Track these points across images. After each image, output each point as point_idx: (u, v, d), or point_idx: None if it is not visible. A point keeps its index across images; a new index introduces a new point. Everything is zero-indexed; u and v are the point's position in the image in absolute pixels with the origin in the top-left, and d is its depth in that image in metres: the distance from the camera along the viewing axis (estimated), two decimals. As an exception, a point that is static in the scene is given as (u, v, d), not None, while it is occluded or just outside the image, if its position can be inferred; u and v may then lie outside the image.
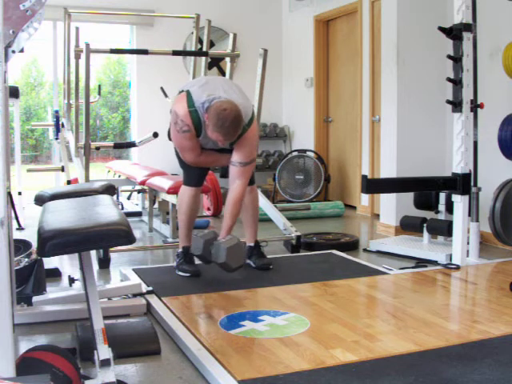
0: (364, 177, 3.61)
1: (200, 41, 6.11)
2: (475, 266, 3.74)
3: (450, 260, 3.81)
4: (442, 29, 3.67)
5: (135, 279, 3.35)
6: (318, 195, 6.56)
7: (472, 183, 3.81)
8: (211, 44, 6.88)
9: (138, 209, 6.09)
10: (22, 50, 1.71)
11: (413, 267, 3.82)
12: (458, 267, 3.64)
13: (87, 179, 4.24)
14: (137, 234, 5.09)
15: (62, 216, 2.11)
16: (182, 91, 3.40)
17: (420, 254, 4.10)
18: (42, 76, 9.89)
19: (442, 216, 4.35)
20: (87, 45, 4.05)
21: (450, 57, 3.67)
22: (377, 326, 2.65)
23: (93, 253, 3.69)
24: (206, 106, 3.24)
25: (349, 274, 3.54)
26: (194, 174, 3.57)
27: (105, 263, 3.86)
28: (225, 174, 3.76)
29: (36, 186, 6.87)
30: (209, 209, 6.06)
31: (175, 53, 4.78)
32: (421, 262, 3.94)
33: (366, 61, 6.02)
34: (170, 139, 3.63)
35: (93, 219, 2.01)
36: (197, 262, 3.58)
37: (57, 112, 5.71)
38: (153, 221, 5.25)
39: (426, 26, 4.77)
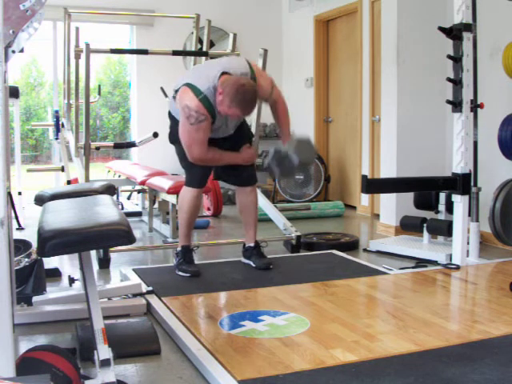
0: (364, 177, 3.60)
1: (200, 41, 6.11)
2: (475, 265, 3.74)
3: (450, 260, 3.81)
4: (441, 29, 3.67)
5: (135, 279, 3.35)
6: (318, 195, 6.56)
7: (472, 183, 3.81)
8: (211, 44, 6.87)
9: (138, 209, 6.09)
10: (22, 50, 1.71)
11: (413, 267, 3.82)
12: (458, 267, 3.64)
13: (87, 179, 4.24)
14: (137, 234, 5.09)
15: (62, 216, 2.11)
16: (179, 88, 3.37)
17: (420, 254, 4.09)
18: (42, 76, 9.89)
19: (442, 216, 4.35)
20: (87, 45, 4.05)
21: (449, 57, 3.67)
22: (377, 326, 2.65)
23: (93, 253, 3.69)
24: (214, 87, 3.25)
25: (349, 274, 3.54)
26: (198, 174, 3.55)
27: (105, 263, 3.86)
28: (218, 176, 3.76)
29: (36, 185, 6.87)
30: (209, 209, 6.06)
31: (175, 53, 4.79)
32: (421, 262, 3.94)
33: (366, 61, 6.02)
34: (171, 142, 3.62)
35: (93, 219, 2.01)
36: (197, 262, 3.59)
37: (57, 112, 5.71)
38: (153, 221, 5.25)
39: (426, 26, 4.77)
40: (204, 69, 3.49)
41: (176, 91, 3.41)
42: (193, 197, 3.55)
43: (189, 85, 3.31)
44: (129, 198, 6.78)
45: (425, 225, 4.32)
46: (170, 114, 3.59)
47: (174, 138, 3.56)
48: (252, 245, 3.74)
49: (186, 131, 3.32)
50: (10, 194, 2.42)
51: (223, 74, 3.29)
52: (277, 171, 3.43)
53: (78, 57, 4.34)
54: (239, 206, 3.73)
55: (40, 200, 2.62)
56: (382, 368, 2.17)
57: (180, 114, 3.33)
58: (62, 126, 5.61)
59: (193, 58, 5.68)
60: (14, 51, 1.66)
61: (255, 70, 3.46)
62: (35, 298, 2.93)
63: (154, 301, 3.01)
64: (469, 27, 3.59)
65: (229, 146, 3.52)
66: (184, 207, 3.58)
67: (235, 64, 3.41)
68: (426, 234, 4.33)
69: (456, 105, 3.64)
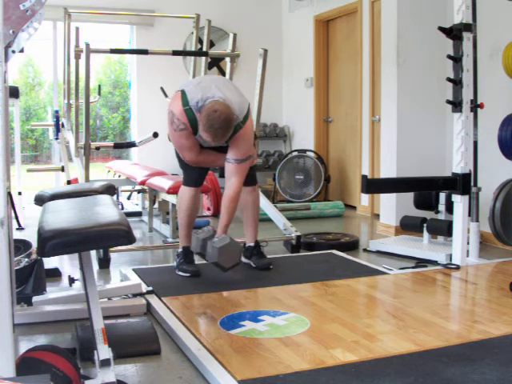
0: (364, 177, 3.60)
1: (200, 41, 6.11)
2: (475, 265, 3.74)
3: (450, 260, 3.81)
4: (441, 29, 3.67)
5: (135, 279, 3.35)
6: (318, 195, 6.56)
7: (472, 183, 3.81)
8: (211, 44, 6.88)
9: (138, 209, 6.09)
10: (22, 50, 1.71)
11: (413, 267, 3.82)
12: (458, 267, 3.64)
13: (87, 179, 4.23)
14: (137, 234, 5.09)
15: (62, 216, 2.11)
16: (178, 91, 3.41)
17: (420, 254, 4.09)
18: (40, 76, 9.89)
19: (442, 216, 4.35)
20: (87, 45, 4.05)
21: (449, 57, 3.67)
22: (377, 326, 2.65)
23: (93, 253, 3.69)
24: (200, 106, 3.25)
25: (349, 274, 3.54)
26: (194, 174, 3.57)
27: (105, 263, 3.86)
28: (223, 173, 3.76)
29: (36, 185, 6.87)
30: (209, 209, 6.06)
31: (175, 53, 4.78)
32: (421, 262, 3.94)
33: (366, 61, 6.02)
34: (170, 140, 3.64)
35: (93, 219, 2.01)
36: (197, 261, 3.59)
37: (57, 112, 5.71)
38: (153, 221, 5.25)
39: (426, 26, 4.77)
40: (209, 83, 3.39)
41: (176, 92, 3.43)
42: (190, 196, 3.56)
43: (183, 92, 3.34)
44: (129, 198, 6.78)
45: (425, 225, 4.32)
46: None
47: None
48: (252, 245, 3.74)
49: (173, 135, 3.43)
50: (10, 194, 2.41)
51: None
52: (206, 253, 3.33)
53: (77, 57, 4.33)
54: (240, 205, 3.73)
55: (40, 200, 2.62)
56: (382, 368, 2.17)
57: (167, 117, 3.38)
58: (62, 125, 5.61)
59: (193, 57, 5.68)
60: (14, 51, 1.66)
61: (248, 122, 3.38)
62: (35, 298, 2.92)
63: (153, 301, 3.01)
64: (469, 27, 3.59)
65: (225, 149, 3.52)
66: (182, 207, 3.58)
67: (238, 99, 3.35)
68: (425, 233, 4.33)
69: (456, 105, 3.64)
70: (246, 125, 3.37)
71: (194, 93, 3.32)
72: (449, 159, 4.19)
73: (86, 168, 4.25)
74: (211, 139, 3.22)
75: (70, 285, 3.20)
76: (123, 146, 6.34)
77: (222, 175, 3.82)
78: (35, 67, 9.81)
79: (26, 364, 1.93)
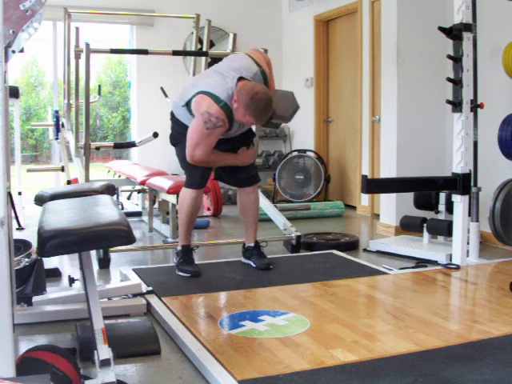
0: (364, 177, 3.60)
1: (200, 41, 6.11)
2: (475, 265, 3.74)
3: (450, 260, 3.81)
4: (441, 29, 3.67)
5: (135, 279, 3.35)
6: (318, 195, 6.56)
7: (472, 183, 3.81)
8: (211, 44, 6.87)
9: (138, 209, 6.09)
10: (22, 50, 1.71)
11: (413, 267, 3.82)
12: (458, 267, 3.64)
13: (87, 179, 4.24)
14: (137, 234, 5.09)
15: (62, 216, 2.11)
16: (191, 97, 3.34)
17: (420, 254, 4.10)
18: (43, 76, 9.90)
19: (442, 216, 4.35)
20: (87, 45, 4.05)
21: (449, 57, 3.67)
22: (377, 325, 2.65)
23: (93, 253, 3.69)
24: (231, 94, 3.27)
25: (349, 274, 3.54)
26: (198, 175, 3.55)
27: (105, 263, 3.86)
28: (218, 176, 3.77)
29: (36, 185, 6.88)
30: (209, 209, 6.06)
31: (175, 53, 4.79)
32: (421, 262, 3.94)
33: (365, 61, 6.02)
34: (172, 144, 3.63)
35: (93, 219, 2.01)
36: (197, 262, 3.58)
37: (57, 112, 5.71)
38: (153, 221, 5.25)
39: (426, 26, 4.77)
40: (217, 76, 3.40)
41: (189, 101, 3.36)
42: (193, 198, 3.55)
43: (206, 93, 3.29)
44: (129, 198, 6.78)
45: (425, 225, 4.32)
46: (173, 116, 3.57)
47: (175, 140, 3.58)
48: (252, 245, 3.74)
49: (198, 133, 3.31)
50: (10, 194, 2.41)
51: (239, 79, 3.31)
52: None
53: (78, 57, 4.33)
54: (240, 205, 3.74)
55: (40, 200, 2.62)
56: (382, 368, 2.17)
57: (197, 117, 3.31)
58: (62, 125, 5.61)
59: (193, 57, 5.67)
60: (14, 51, 1.66)
61: (260, 63, 3.48)
62: (35, 298, 2.92)
63: (154, 301, 3.01)
64: (469, 27, 3.59)
65: (229, 147, 3.53)
66: (184, 208, 3.58)
67: (244, 65, 3.41)
68: (425, 234, 4.33)
69: (456, 105, 3.64)
70: (263, 67, 3.47)
71: (218, 88, 3.29)
72: (449, 159, 4.18)
73: (86, 168, 4.25)
74: (255, 121, 3.32)
75: (70, 285, 3.20)
76: (123, 146, 6.34)
77: (217, 178, 3.81)
78: (39, 67, 9.82)
79: (25, 364, 1.93)
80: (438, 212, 4.39)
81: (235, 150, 3.57)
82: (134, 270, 3.60)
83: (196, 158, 3.39)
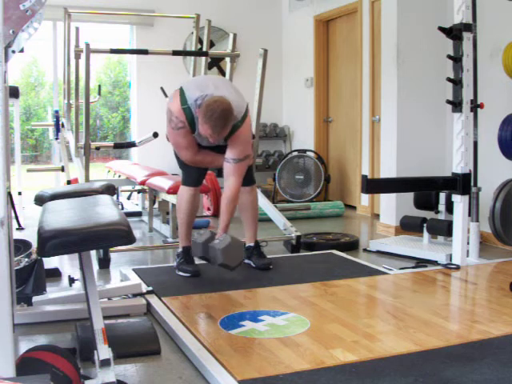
0: (364, 177, 3.60)
1: (200, 41, 6.11)
2: (475, 265, 3.74)
3: (450, 260, 3.81)
4: (441, 29, 3.67)
5: (135, 279, 3.35)
6: (318, 195, 6.56)
7: (472, 183, 3.81)
8: (211, 44, 6.88)
9: (138, 209, 6.09)
10: (22, 50, 1.71)
11: (413, 267, 3.82)
12: (458, 267, 3.64)
13: (87, 179, 4.24)
14: (137, 234, 5.09)
15: (62, 216, 2.11)
16: (177, 89, 3.41)
17: (420, 254, 4.09)
18: (43, 76, 9.90)
19: (442, 216, 4.35)
20: (87, 45, 4.05)
21: (449, 57, 3.67)
22: (377, 325, 2.65)
23: (93, 253, 3.69)
24: (199, 103, 3.25)
25: (349, 274, 3.54)
26: (193, 174, 3.57)
27: (105, 263, 3.86)
28: (221, 173, 3.76)
29: (36, 185, 6.87)
30: (209, 209, 6.06)
31: (175, 53, 4.78)
32: (421, 262, 3.94)
33: (365, 61, 6.02)
34: (168, 140, 3.64)
35: (93, 219, 2.01)
36: (197, 261, 3.59)
37: (57, 112, 5.71)
38: (153, 221, 5.25)
39: (426, 26, 4.77)
40: (207, 81, 3.41)
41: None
42: (190, 196, 3.56)
43: (181, 90, 3.35)
44: (129, 198, 6.78)
45: (425, 225, 4.32)
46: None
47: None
48: (252, 245, 3.74)
49: (171, 134, 3.44)
50: (10, 194, 2.41)
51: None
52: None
53: (78, 57, 4.33)
54: (239, 205, 3.73)
55: (40, 200, 2.62)
56: (382, 368, 2.17)
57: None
58: (62, 125, 5.61)
59: (193, 57, 5.67)
60: (14, 51, 1.66)
61: (246, 121, 3.37)
62: (35, 298, 2.92)
63: (154, 301, 3.01)
64: (469, 27, 3.59)
65: (223, 150, 3.51)
66: (182, 206, 3.59)
67: (236, 99, 3.34)
68: (425, 234, 4.33)
69: (456, 105, 3.64)
70: (243, 124, 3.37)
71: (192, 90, 3.32)
72: (449, 159, 4.19)
73: (86, 168, 4.25)
74: (211, 131, 3.18)
75: (70, 285, 3.20)
76: (123, 146, 6.34)
77: (220, 175, 3.82)
78: (39, 67, 9.82)
79: (25, 364, 1.93)
80: (437, 212, 4.39)
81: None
82: (133, 270, 3.60)
83: (184, 158, 3.47)
